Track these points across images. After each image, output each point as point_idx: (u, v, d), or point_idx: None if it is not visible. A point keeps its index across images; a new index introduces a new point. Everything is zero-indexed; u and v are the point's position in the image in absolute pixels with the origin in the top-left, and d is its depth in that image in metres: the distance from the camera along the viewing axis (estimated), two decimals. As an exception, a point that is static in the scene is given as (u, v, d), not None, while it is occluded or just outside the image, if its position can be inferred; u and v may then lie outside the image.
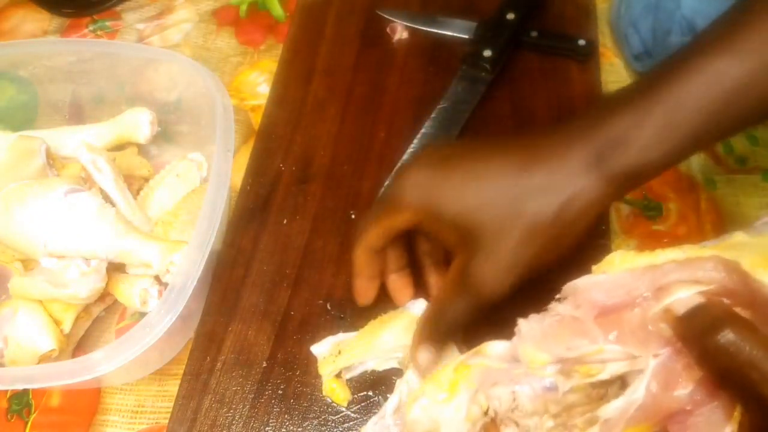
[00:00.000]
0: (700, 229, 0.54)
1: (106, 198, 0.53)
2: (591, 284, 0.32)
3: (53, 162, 0.55)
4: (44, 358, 0.48)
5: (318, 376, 0.47)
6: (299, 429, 0.46)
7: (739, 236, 0.32)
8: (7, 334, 0.48)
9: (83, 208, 0.49)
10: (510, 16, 0.62)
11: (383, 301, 0.46)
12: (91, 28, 0.73)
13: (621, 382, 0.32)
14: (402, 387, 0.41)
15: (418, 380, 0.40)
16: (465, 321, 0.39)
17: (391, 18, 0.67)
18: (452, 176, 0.38)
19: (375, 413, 0.44)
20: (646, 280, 0.32)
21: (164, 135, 0.60)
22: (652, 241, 0.54)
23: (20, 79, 0.61)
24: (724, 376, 0.29)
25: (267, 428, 0.46)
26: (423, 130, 0.58)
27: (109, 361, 0.42)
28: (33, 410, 0.51)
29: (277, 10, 0.72)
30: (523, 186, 0.36)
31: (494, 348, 0.35)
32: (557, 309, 0.33)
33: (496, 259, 0.36)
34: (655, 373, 0.30)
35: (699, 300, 0.30)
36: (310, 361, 0.48)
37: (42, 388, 0.51)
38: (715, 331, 0.28)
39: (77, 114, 0.62)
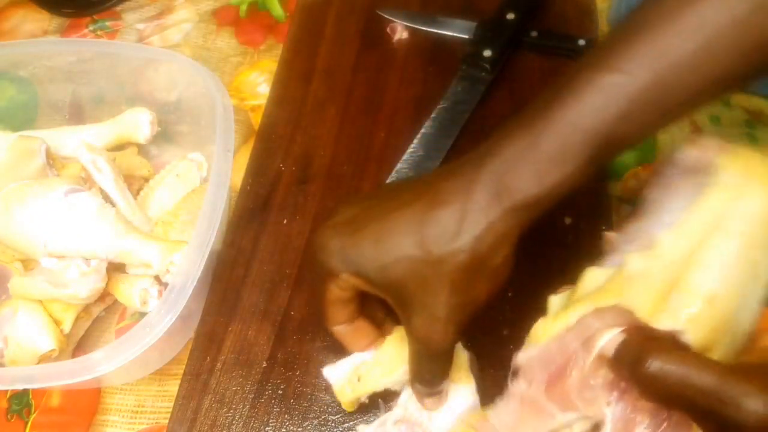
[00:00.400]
0: (700, 229, 0.54)
1: (106, 198, 0.53)
2: (529, 359, 0.35)
3: (53, 162, 0.55)
4: (44, 358, 0.48)
5: (318, 376, 0.47)
6: (299, 429, 0.46)
7: (595, 273, 0.35)
8: (7, 334, 0.48)
9: (83, 208, 0.49)
10: (510, 16, 0.62)
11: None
12: (91, 28, 0.73)
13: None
14: (406, 399, 0.41)
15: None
16: (440, 369, 0.39)
17: (391, 18, 0.67)
18: (362, 242, 0.37)
19: (373, 413, 0.45)
20: (572, 339, 0.33)
21: (164, 135, 0.60)
22: (652, 241, 0.54)
23: (20, 79, 0.61)
24: (667, 401, 0.29)
25: (267, 428, 0.46)
26: (423, 130, 0.58)
27: (109, 361, 0.42)
28: (33, 410, 0.51)
29: (277, 10, 0.72)
30: (432, 235, 0.35)
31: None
32: (514, 389, 0.35)
33: (428, 314, 0.35)
34: (614, 421, 0.32)
35: (621, 337, 0.31)
36: (310, 361, 0.48)
37: (42, 388, 0.51)
38: (642, 363, 0.29)
39: (77, 114, 0.62)
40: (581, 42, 0.61)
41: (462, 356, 0.42)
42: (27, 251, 0.50)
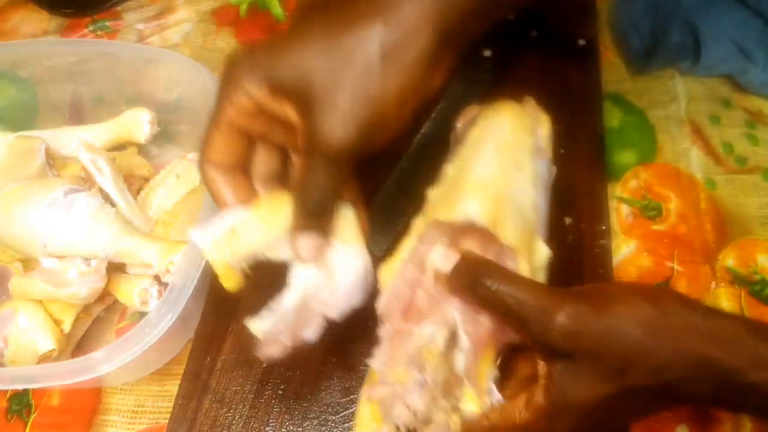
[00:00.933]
0: (699, 228, 0.54)
1: (106, 198, 0.53)
2: (385, 302, 0.39)
3: (53, 162, 0.55)
4: (44, 358, 0.48)
5: (318, 376, 0.47)
6: (299, 429, 0.46)
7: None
8: (7, 334, 0.48)
9: (83, 208, 0.49)
10: (510, 16, 0.62)
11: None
12: (91, 28, 0.73)
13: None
14: (300, 278, 0.40)
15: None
16: (332, 189, 0.38)
17: (391, 18, 0.67)
18: (277, 48, 0.37)
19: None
20: (410, 268, 0.40)
21: (164, 135, 0.60)
22: (652, 241, 0.54)
23: (20, 79, 0.60)
24: (497, 314, 0.36)
25: (267, 428, 0.46)
26: (423, 131, 0.58)
27: (109, 361, 0.42)
28: (33, 410, 0.51)
29: (277, 9, 0.72)
30: (355, 37, 0.35)
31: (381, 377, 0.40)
32: (382, 333, 0.40)
33: (335, 109, 0.35)
34: (463, 322, 0.37)
35: (452, 258, 0.37)
36: (310, 361, 0.48)
37: (42, 388, 0.51)
38: (477, 286, 0.35)
39: (77, 114, 0.62)
40: (581, 42, 0.61)
41: (349, 214, 0.40)
42: (27, 251, 0.50)
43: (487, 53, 0.60)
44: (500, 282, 0.35)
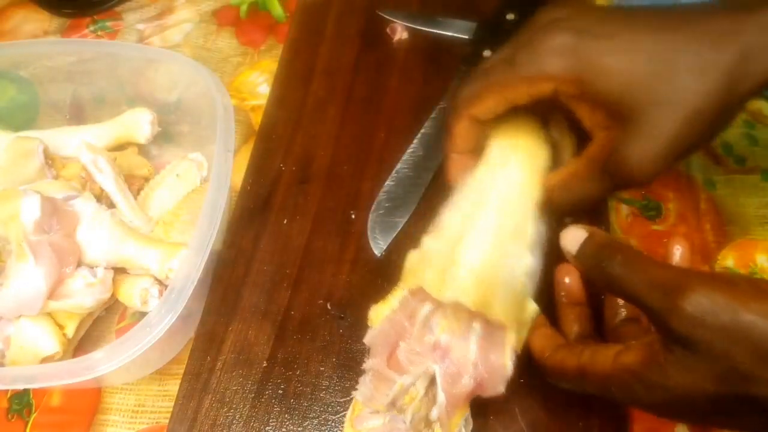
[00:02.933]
0: (699, 229, 0.54)
1: (107, 198, 0.53)
2: (372, 338, 0.41)
3: (52, 162, 0.55)
4: (46, 361, 0.48)
5: (318, 376, 0.47)
6: (299, 429, 0.46)
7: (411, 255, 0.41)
8: (9, 335, 0.48)
9: (78, 215, 0.49)
10: (510, 16, 0.62)
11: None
12: (91, 28, 0.73)
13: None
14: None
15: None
16: (594, 201, 0.38)
17: (391, 18, 0.67)
18: (610, 45, 0.34)
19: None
20: (399, 317, 0.40)
21: (165, 135, 0.60)
22: (651, 241, 0.54)
23: (21, 79, 0.61)
24: (627, 298, 0.33)
25: (267, 428, 0.46)
26: (423, 130, 0.58)
27: (109, 361, 0.42)
28: (33, 410, 0.51)
29: (277, 10, 0.73)
30: (690, 63, 0.33)
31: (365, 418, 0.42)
32: (368, 365, 0.41)
33: (655, 141, 0.34)
34: (443, 375, 0.39)
35: (582, 236, 0.36)
36: (310, 361, 0.48)
37: (42, 387, 0.51)
38: (603, 266, 0.33)
39: (78, 114, 0.62)
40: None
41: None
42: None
43: (487, 53, 0.60)
44: (627, 262, 0.32)
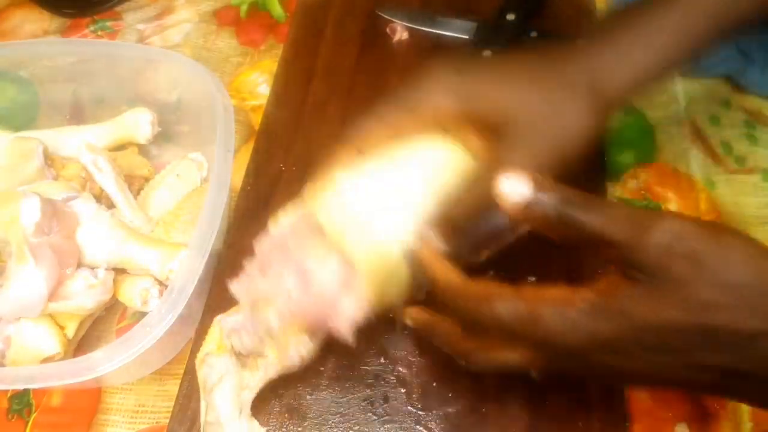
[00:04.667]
0: (699, 229, 0.54)
1: (107, 198, 0.53)
2: (263, 242, 0.44)
3: (52, 162, 0.55)
4: (46, 361, 0.48)
5: (319, 376, 0.47)
6: (299, 429, 0.46)
7: None
8: (9, 335, 0.48)
9: (79, 215, 0.49)
10: (510, 16, 0.62)
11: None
12: (91, 28, 0.73)
13: None
14: None
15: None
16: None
17: (391, 18, 0.67)
18: (484, 79, 0.41)
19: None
20: (285, 235, 0.43)
21: (165, 135, 0.60)
22: (651, 241, 0.54)
23: (21, 79, 0.61)
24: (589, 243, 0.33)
25: (267, 428, 0.46)
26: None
27: (109, 361, 0.42)
28: (33, 410, 0.51)
29: (278, 10, 0.73)
30: (554, 90, 0.40)
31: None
32: (247, 266, 0.44)
33: (527, 151, 0.39)
34: (292, 288, 0.42)
35: (528, 185, 0.34)
36: (310, 361, 0.48)
37: (42, 387, 0.51)
38: (558, 214, 0.32)
39: (78, 114, 0.62)
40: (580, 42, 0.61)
41: None
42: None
43: (487, 53, 0.60)
44: (587, 204, 0.32)
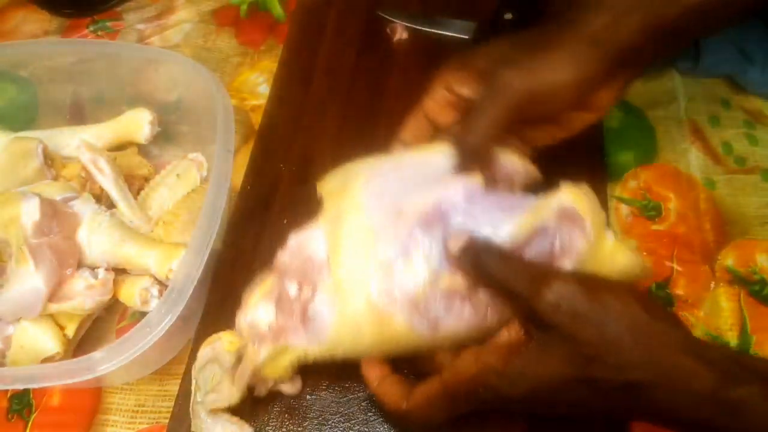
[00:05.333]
0: (699, 228, 0.54)
1: (107, 198, 0.53)
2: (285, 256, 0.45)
3: (52, 162, 0.55)
4: (47, 361, 0.48)
5: (319, 376, 0.47)
6: (299, 429, 0.46)
7: None
8: (9, 335, 0.48)
9: (78, 216, 0.49)
10: (509, 16, 0.62)
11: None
12: (91, 28, 0.73)
13: None
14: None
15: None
16: (493, 130, 0.42)
17: (391, 18, 0.67)
18: (484, 50, 0.46)
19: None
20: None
21: (165, 135, 0.60)
22: (651, 241, 0.54)
23: (21, 79, 0.61)
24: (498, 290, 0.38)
25: (267, 428, 0.46)
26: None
27: (109, 361, 0.42)
28: (33, 410, 0.51)
29: (277, 10, 0.73)
30: (548, 45, 0.45)
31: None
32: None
33: (516, 66, 0.42)
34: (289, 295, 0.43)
35: (463, 239, 0.39)
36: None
37: (42, 387, 0.51)
38: (478, 263, 0.38)
39: (78, 114, 0.62)
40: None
41: None
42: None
43: (487, 53, 0.60)
44: (501, 258, 0.37)
